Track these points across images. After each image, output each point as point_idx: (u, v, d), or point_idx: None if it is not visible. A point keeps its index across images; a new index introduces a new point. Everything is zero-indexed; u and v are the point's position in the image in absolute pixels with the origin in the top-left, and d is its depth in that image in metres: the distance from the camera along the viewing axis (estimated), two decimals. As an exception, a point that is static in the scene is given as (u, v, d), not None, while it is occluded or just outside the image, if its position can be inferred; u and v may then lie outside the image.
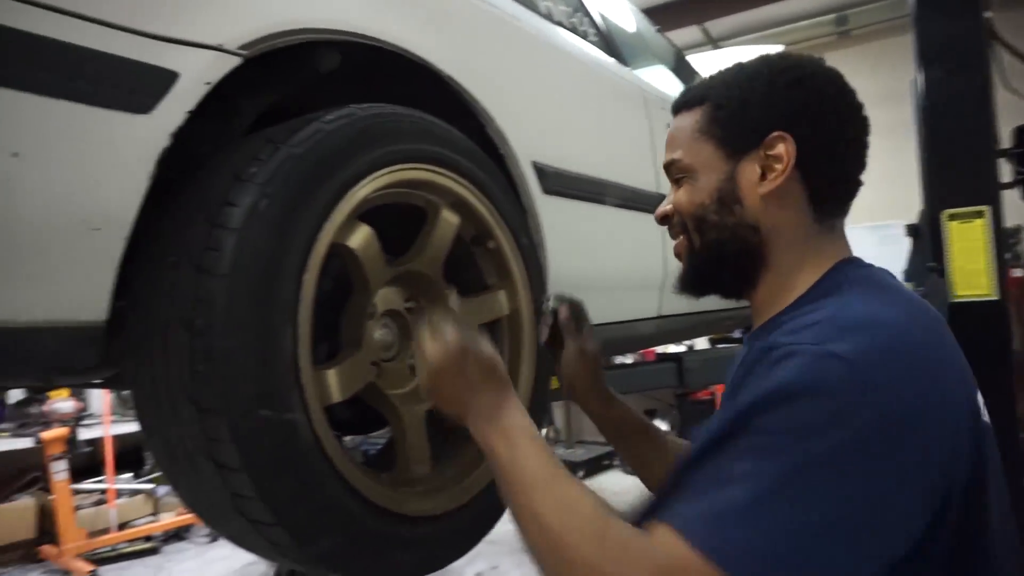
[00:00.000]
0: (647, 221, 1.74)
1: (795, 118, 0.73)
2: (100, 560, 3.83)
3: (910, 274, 2.42)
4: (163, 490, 4.54)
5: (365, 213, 0.92)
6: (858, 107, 0.76)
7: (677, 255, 0.82)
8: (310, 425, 0.78)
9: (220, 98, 0.95)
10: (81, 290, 0.69)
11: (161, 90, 0.72)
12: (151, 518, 4.36)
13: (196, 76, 0.75)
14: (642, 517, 0.57)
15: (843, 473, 0.53)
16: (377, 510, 0.84)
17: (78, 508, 4.06)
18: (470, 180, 1.05)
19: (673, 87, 2.36)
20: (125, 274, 0.79)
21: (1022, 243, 2.28)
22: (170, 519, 4.29)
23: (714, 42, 6.92)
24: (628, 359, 3.74)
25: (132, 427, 4.41)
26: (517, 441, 0.67)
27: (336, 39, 0.92)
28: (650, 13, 3.44)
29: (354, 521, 0.81)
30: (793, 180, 0.73)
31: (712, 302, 2.24)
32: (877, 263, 0.77)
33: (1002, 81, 2.19)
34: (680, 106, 0.82)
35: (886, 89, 4.59)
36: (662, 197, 1.96)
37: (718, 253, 0.77)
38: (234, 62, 0.79)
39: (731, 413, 0.58)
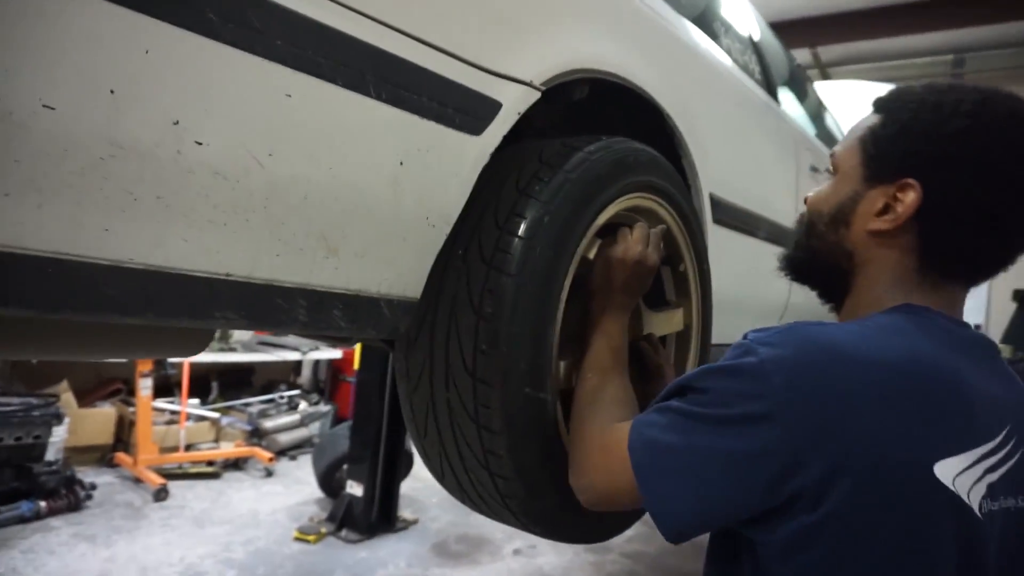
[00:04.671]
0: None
1: (940, 171, 0.69)
2: (167, 475, 4.13)
3: (1010, 337, 2.47)
4: (226, 420, 4.83)
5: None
6: None
7: None
8: (553, 405, 0.94)
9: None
10: (410, 272, 0.86)
11: (490, 116, 0.88)
12: (213, 444, 4.65)
13: (512, 106, 0.91)
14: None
15: (706, 432, 0.67)
16: (581, 482, 1.01)
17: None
18: (675, 209, 1.19)
19: (798, 112, 2.42)
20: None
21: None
22: (230, 449, 4.56)
23: (823, 67, 6.85)
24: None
25: (206, 357, 4.69)
26: (609, 338, 0.95)
27: (600, 77, 1.06)
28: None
29: (567, 488, 0.97)
30: (908, 230, 0.71)
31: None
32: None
33: None
34: (874, 104, 0.80)
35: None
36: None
37: (810, 260, 0.82)
38: (536, 95, 0.94)
39: (693, 374, 0.74)
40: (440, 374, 0.93)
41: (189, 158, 0.61)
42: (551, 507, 0.96)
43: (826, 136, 2.80)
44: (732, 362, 0.69)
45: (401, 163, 0.78)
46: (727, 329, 1.62)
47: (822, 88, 3.71)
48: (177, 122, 0.59)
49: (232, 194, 0.65)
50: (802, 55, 6.56)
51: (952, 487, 0.64)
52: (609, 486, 0.78)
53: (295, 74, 0.66)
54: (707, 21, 1.69)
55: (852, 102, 3.80)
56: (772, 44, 2.36)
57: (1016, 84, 5.75)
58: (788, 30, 5.70)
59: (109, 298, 0.59)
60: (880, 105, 0.78)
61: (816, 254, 0.80)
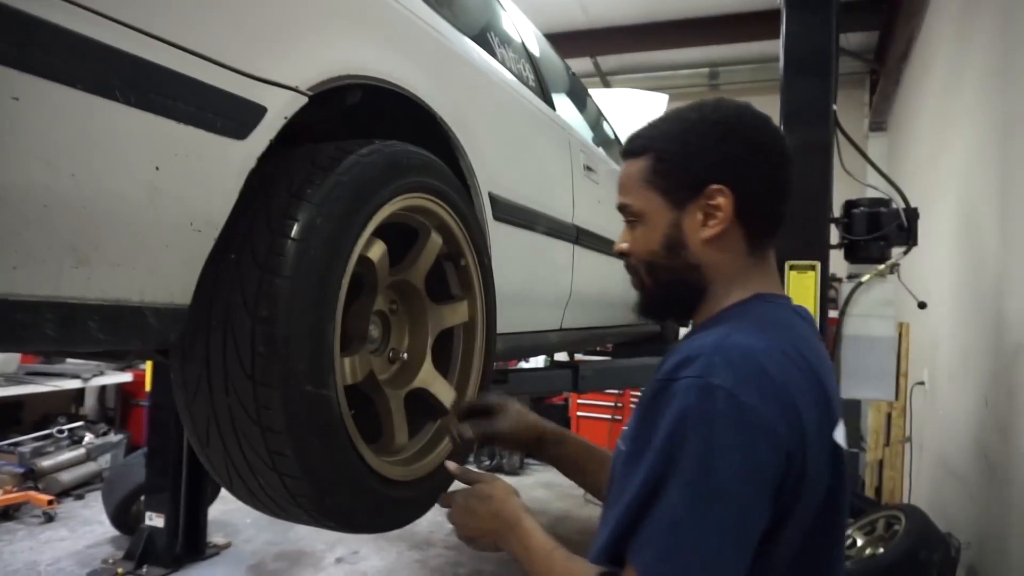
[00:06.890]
0: (564, 247, 2.04)
1: (730, 170, 0.82)
2: (-84, 536, 3.54)
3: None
4: (-9, 466, 4.19)
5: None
6: (785, 149, 0.85)
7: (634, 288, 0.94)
8: (337, 401, 0.97)
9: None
10: (177, 279, 0.84)
11: (254, 121, 0.89)
12: (-26, 495, 4.04)
13: (278, 111, 0.92)
14: (603, 553, 0.76)
15: (732, 486, 0.69)
16: (373, 473, 1.05)
17: None
18: (452, 208, 1.27)
19: (574, 117, 2.65)
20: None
21: (837, 291, 2.90)
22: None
23: (603, 75, 7.45)
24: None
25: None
26: (528, 544, 0.89)
27: (372, 84, 1.11)
28: (547, 40, 3.73)
29: (358, 480, 1.01)
30: (732, 224, 0.83)
31: (601, 320, 2.58)
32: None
33: (840, 162, 2.73)
34: (627, 153, 0.90)
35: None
36: (576, 228, 2.26)
37: (666, 291, 0.89)
38: (303, 100, 0.96)
39: (653, 456, 0.72)
40: (219, 380, 0.92)
41: None
42: (342, 501, 0.99)
43: (603, 139, 3.08)
44: (706, 410, 0.70)
45: (157, 168, 0.77)
46: (516, 318, 1.75)
47: (602, 95, 4.06)
48: None
49: (-49, 204, 0.60)
50: (585, 64, 7.09)
51: (843, 445, 0.80)
52: None
53: (23, 76, 0.63)
54: (482, 34, 1.80)
55: (630, 108, 4.20)
56: (548, 54, 2.56)
57: (758, 95, 6.69)
58: (568, 41, 6.14)
59: None
60: (637, 150, 0.89)
61: (669, 283, 0.88)
